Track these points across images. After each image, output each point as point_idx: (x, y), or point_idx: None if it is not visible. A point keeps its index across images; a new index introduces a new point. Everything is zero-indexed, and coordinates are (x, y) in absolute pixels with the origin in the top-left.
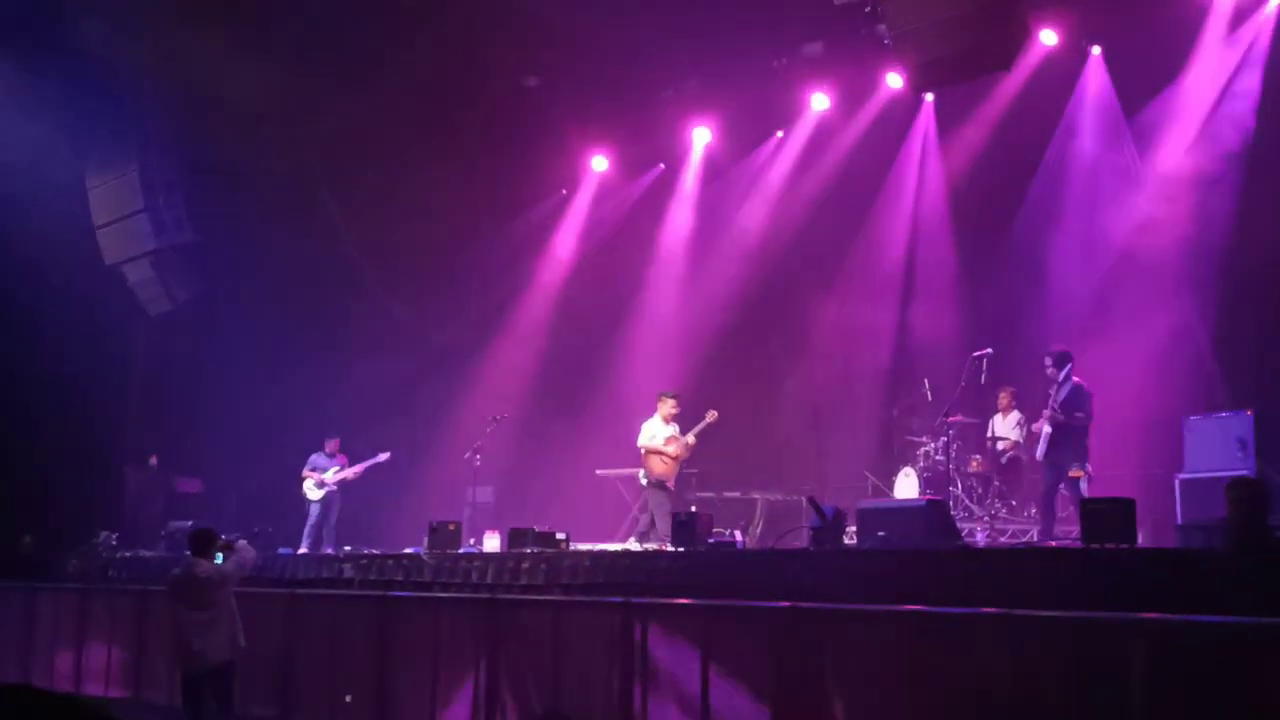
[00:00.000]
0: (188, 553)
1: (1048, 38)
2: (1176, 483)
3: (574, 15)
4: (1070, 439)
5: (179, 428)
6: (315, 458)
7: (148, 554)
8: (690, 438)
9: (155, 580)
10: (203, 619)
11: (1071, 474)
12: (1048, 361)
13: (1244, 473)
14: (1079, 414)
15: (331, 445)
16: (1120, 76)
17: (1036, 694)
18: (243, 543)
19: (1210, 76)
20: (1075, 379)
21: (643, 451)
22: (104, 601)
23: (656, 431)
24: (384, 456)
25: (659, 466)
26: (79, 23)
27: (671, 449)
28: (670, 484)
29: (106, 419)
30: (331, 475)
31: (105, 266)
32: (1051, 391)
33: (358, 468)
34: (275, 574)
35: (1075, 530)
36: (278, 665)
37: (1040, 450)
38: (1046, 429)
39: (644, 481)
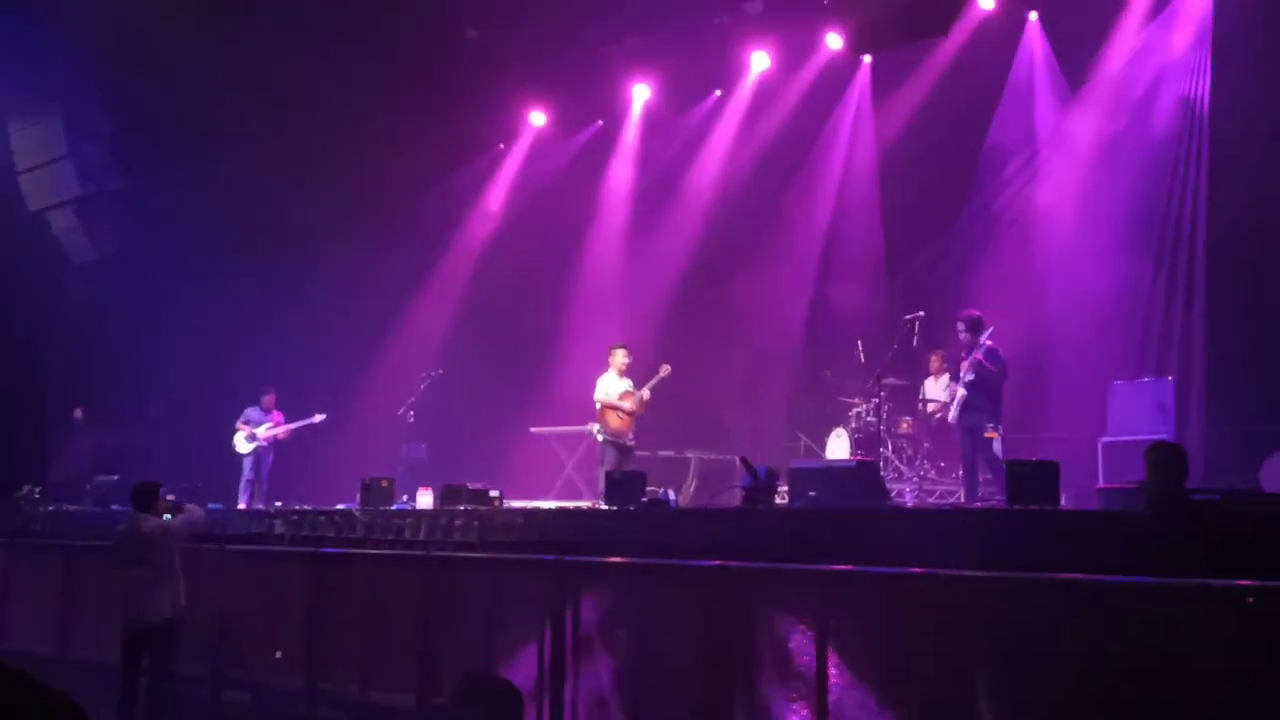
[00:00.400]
0: (131, 508)
1: (985, 2)
2: (1099, 446)
3: None
4: (983, 399)
5: (107, 380)
6: (249, 411)
7: (73, 508)
8: (645, 392)
9: (80, 535)
10: (146, 576)
11: (986, 434)
12: (960, 326)
13: (1164, 437)
14: (992, 368)
15: (267, 400)
16: (1059, 40)
17: (961, 652)
18: (192, 505)
19: (1146, 38)
20: (989, 342)
21: (598, 406)
22: (28, 557)
23: (610, 387)
24: (319, 418)
25: (615, 422)
26: None
27: (627, 404)
28: (628, 439)
29: (31, 370)
30: (264, 431)
31: (27, 214)
32: (964, 355)
33: (289, 426)
34: (205, 529)
35: (999, 494)
36: (208, 622)
37: (954, 414)
38: (961, 392)
39: (600, 437)
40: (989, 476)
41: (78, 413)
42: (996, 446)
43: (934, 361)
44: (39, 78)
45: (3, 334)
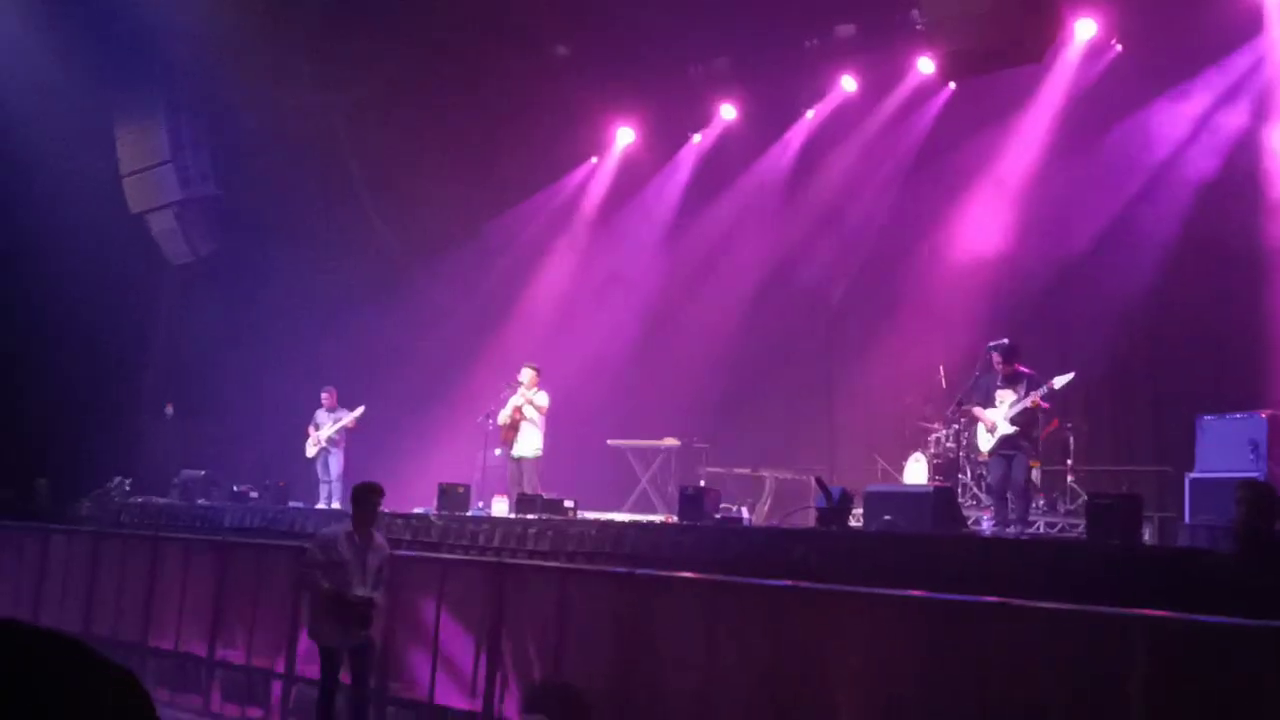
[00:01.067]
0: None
1: (1084, 29)
2: (1186, 481)
3: None
4: (1025, 438)
5: (198, 377)
6: (317, 413)
7: (160, 501)
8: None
9: (166, 527)
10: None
11: (1030, 464)
12: (996, 357)
13: (1255, 475)
14: (1046, 406)
15: (328, 399)
16: (1142, 73)
17: (1034, 686)
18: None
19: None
20: (1025, 370)
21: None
22: (117, 545)
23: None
24: (359, 411)
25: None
26: None
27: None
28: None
29: (125, 367)
30: (325, 433)
31: (129, 215)
32: (999, 384)
33: (334, 427)
34: (285, 527)
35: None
36: (284, 618)
37: (991, 444)
38: (1009, 429)
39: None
40: (1014, 505)
41: (169, 408)
42: (1036, 475)
43: (1018, 388)
44: (146, 85)
45: (103, 331)
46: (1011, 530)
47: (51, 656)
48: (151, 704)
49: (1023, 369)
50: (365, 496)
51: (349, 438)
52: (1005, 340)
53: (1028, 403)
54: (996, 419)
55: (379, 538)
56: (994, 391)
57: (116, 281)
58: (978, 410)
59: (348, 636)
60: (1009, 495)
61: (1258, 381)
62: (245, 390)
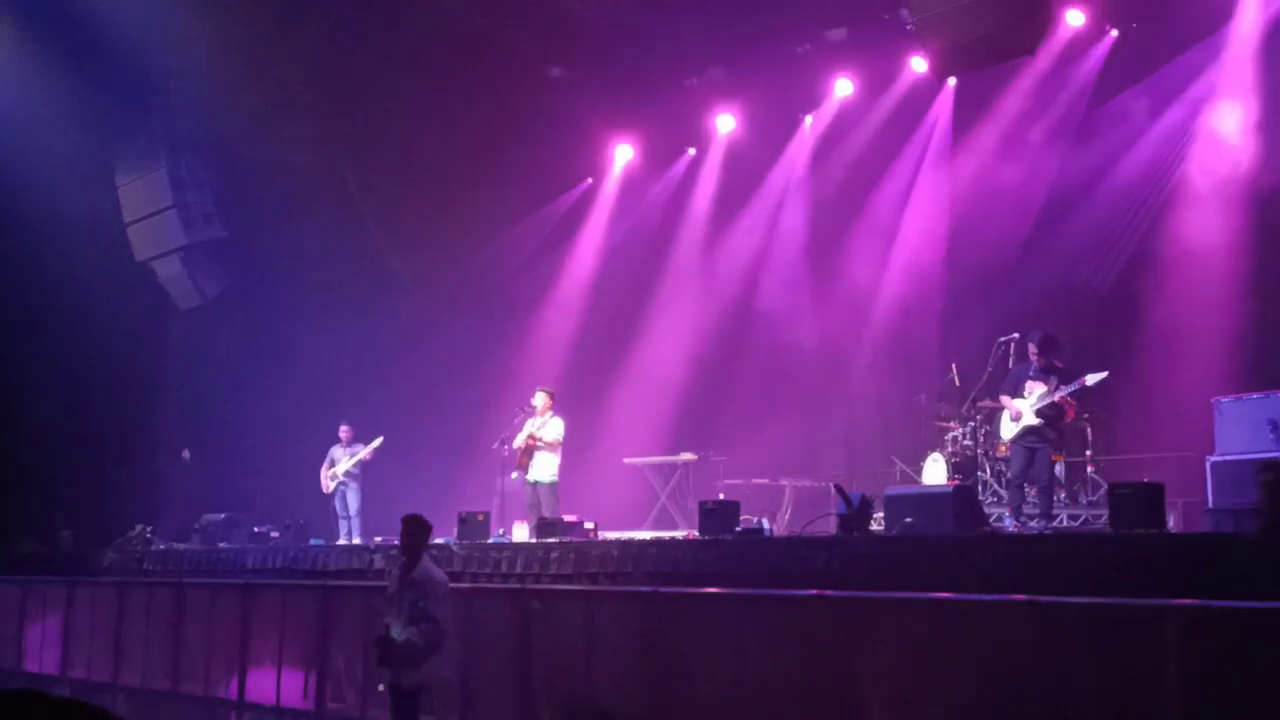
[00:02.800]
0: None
1: (1074, 18)
2: (1207, 465)
3: (598, 6)
4: (1050, 429)
5: (213, 421)
6: (332, 450)
7: (182, 547)
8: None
9: (190, 573)
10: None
11: (1053, 458)
12: (1032, 348)
13: (1276, 455)
14: (1073, 403)
15: (345, 434)
16: (1134, 60)
17: (1066, 681)
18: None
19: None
20: (1059, 364)
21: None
22: (142, 594)
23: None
24: (376, 443)
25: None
26: (108, 25)
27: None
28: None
29: (141, 414)
30: (341, 468)
31: (136, 263)
32: (1032, 375)
33: (352, 461)
34: (308, 566)
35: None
36: (312, 657)
37: (1013, 433)
38: (1034, 420)
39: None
40: (1033, 498)
41: (185, 453)
42: (1059, 469)
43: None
44: (146, 130)
45: (116, 381)
46: (1035, 525)
47: None
48: None
49: (1058, 363)
50: (403, 528)
51: (365, 471)
52: (1043, 331)
53: (1055, 397)
54: (1023, 409)
55: (422, 571)
56: (1025, 381)
57: (126, 328)
58: (1004, 398)
59: (396, 675)
60: (1028, 488)
61: (1273, 362)
62: (260, 428)
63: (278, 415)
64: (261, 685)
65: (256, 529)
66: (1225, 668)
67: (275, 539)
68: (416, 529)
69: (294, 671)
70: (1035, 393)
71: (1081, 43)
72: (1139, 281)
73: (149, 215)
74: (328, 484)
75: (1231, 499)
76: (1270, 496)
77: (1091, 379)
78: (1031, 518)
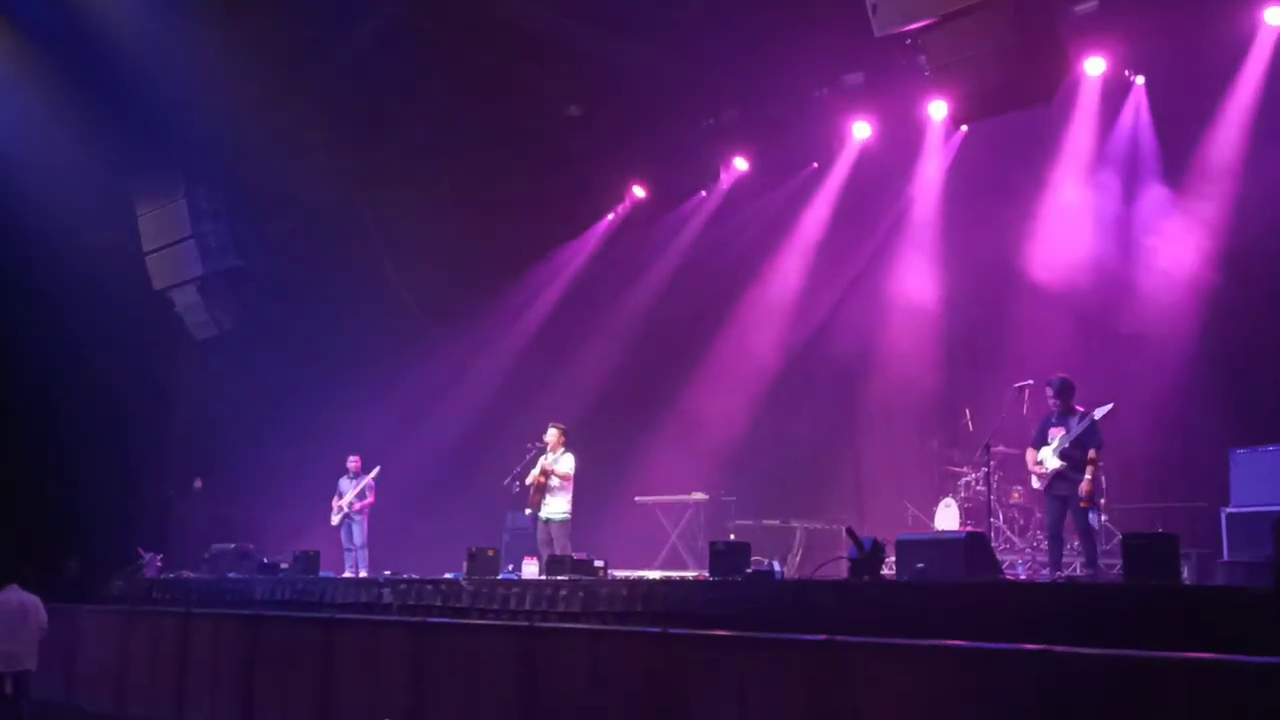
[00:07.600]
0: None
1: (1093, 67)
2: (1222, 517)
3: (616, 46)
4: (1079, 472)
5: (225, 451)
6: (340, 481)
7: (190, 575)
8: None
9: (197, 602)
10: None
11: (1082, 504)
12: (1049, 391)
13: None
14: (1094, 449)
15: (353, 464)
16: (1164, 106)
17: None
18: None
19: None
20: (1080, 408)
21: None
22: (149, 623)
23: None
24: (374, 473)
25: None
26: (128, 57)
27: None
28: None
29: (152, 443)
30: (348, 499)
31: (152, 292)
32: (1053, 421)
33: (353, 491)
34: (315, 598)
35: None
36: (315, 689)
37: (1043, 483)
38: (1058, 463)
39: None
40: (1077, 545)
41: (197, 483)
42: (1092, 516)
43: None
44: (166, 161)
45: (128, 409)
46: (1045, 574)
47: None
48: None
49: (1078, 407)
50: None
51: (372, 506)
52: (1060, 377)
53: (1072, 438)
54: (1045, 455)
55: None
56: (1048, 430)
57: (140, 356)
58: (1030, 452)
59: None
60: (1065, 537)
61: None
62: (270, 458)
63: (289, 446)
64: (268, 717)
65: (266, 560)
66: None
67: (285, 570)
68: None
69: (301, 703)
70: (1056, 439)
71: (1109, 88)
72: (1150, 324)
73: (168, 245)
74: (336, 515)
75: (1246, 551)
76: None
77: (1099, 412)
78: (1045, 565)
